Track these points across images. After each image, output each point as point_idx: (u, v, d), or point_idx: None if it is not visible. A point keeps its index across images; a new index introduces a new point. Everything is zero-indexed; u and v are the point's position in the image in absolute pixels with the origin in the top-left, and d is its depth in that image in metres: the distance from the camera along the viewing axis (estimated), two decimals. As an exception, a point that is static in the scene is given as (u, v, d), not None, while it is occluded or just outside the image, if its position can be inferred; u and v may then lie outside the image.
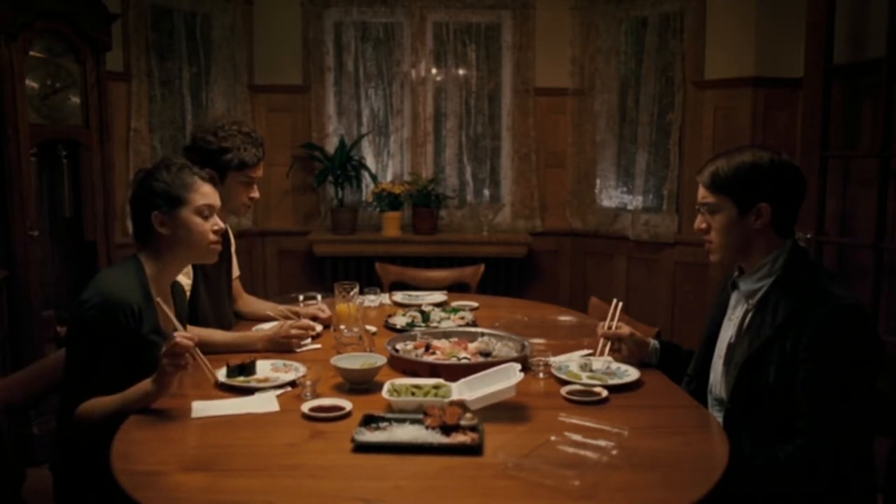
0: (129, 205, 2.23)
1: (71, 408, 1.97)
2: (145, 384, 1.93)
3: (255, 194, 2.79)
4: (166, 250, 2.18)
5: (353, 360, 2.22)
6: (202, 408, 1.98)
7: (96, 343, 1.98)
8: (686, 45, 4.66)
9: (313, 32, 5.04)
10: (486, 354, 2.36)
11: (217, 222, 2.22)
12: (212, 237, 2.20)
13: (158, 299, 2.05)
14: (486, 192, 5.36)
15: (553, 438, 1.77)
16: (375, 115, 5.29)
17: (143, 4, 4.52)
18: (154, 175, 2.17)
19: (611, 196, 5.18)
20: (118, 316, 1.98)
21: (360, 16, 5.10)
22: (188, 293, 2.56)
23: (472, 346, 2.43)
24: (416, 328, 2.77)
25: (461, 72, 5.19)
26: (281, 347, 2.53)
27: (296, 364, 2.30)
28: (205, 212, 2.19)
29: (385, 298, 3.35)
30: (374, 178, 5.19)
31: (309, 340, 2.64)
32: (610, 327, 2.40)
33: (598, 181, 5.15)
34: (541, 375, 2.25)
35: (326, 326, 2.81)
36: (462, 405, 1.92)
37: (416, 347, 2.44)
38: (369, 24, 5.17)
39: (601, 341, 2.40)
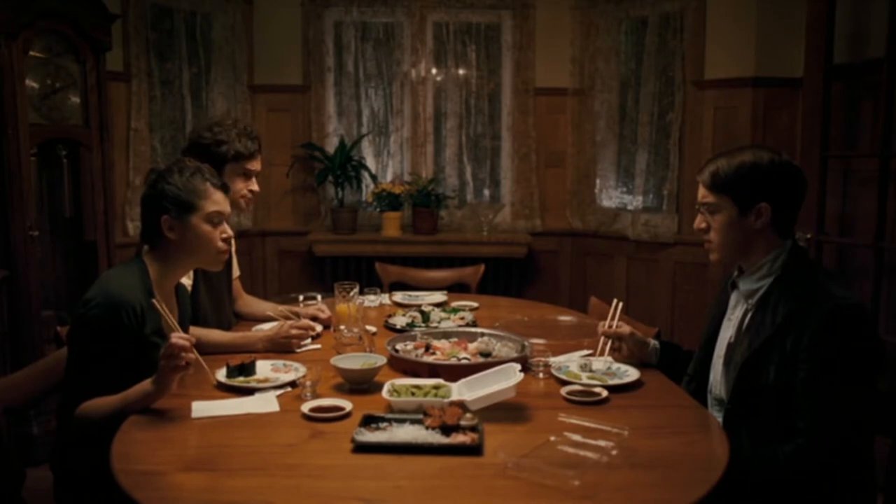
0: (141, 205, 2.22)
1: (71, 407, 1.97)
2: (145, 384, 1.93)
3: (255, 187, 2.80)
4: (173, 254, 2.18)
5: (353, 360, 2.22)
6: (202, 408, 1.98)
7: (99, 342, 1.98)
8: (686, 45, 4.66)
9: (313, 32, 5.04)
10: (486, 354, 2.36)
11: (226, 230, 2.22)
12: (220, 245, 2.20)
13: (154, 300, 2.04)
14: (486, 192, 5.36)
15: (553, 438, 1.77)
16: (375, 115, 5.29)
17: (143, 4, 4.53)
18: (166, 178, 2.16)
19: (611, 196, 5.18)
20: (121, 316, 1.98)
21: (360, 16, 5.10)
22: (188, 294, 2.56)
23: (472, 346, 2.43)
24: (416, 328, 2.77)
25: (461, 72, 5.19)
26: (281, 347, 2.53)
27: (296, 364, 2.30)
28: (215, 219, 2.18)
29: (385, 298, 3.36)
30: (374, 178, 5.19)
31: (309, 340, 2.64)
32: (610, 327, 2.40)
33: (598, 181, 5.15)
34: (541, 375, 2.25)
35: (326, 326, 2.81)
36: (462, 405, 1.92)
37: (416, 347, 2.44)
38: (369, 23, 5.17)
39: (601, 340, 2.40)
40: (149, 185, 2.18)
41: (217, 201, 2.19)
